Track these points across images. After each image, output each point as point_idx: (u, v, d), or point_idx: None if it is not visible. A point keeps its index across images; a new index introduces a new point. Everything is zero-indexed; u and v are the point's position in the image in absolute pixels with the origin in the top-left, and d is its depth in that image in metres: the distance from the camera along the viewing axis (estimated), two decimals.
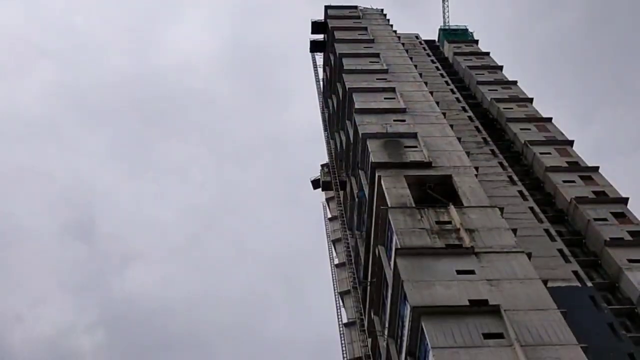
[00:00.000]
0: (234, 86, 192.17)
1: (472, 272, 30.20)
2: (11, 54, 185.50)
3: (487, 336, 26.42)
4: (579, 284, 36.66)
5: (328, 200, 64.85)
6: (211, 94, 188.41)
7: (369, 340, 40.12)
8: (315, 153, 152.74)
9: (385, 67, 53.75)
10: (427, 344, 26.28)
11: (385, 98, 48.45)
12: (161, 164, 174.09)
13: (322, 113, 68.96)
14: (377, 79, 51.84)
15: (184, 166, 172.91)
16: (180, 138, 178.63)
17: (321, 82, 70.53)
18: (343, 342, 47.78)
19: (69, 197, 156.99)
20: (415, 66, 56.44)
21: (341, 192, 54.43)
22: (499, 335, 26.41)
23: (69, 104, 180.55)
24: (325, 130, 66.84)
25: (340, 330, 48.78)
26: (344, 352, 47.13)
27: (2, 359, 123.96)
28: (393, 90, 49.48)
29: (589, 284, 36.99)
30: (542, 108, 58.13)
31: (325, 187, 62.91)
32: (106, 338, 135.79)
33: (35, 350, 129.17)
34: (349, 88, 49.72)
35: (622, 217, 42.02)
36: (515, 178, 47.41)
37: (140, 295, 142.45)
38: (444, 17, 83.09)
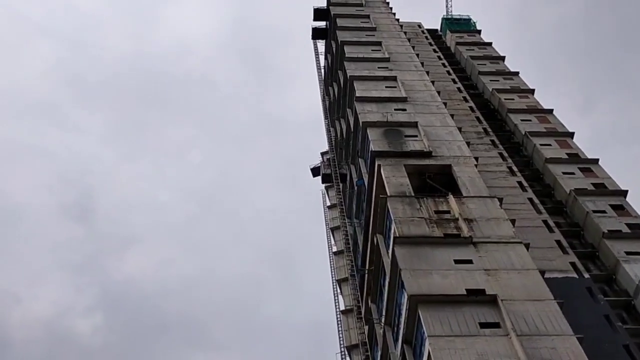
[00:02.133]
0: (233, 69, 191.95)
1: (469, 261, 30.31)
2: (12, 32, 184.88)
3: (483, 325, 26.56)
4: (576, 275, 36.74)
5: (327, 188, 64.92)
6: (211, 76, 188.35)
7: (366, 327, 40.31)
8: (315, 139, 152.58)
9: (387, 56, 53.62)
10: (424, 332, 26.42)
11: (386, 87, 48.36)
12: (160, 145, 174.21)
13: (323, 101, 68.85)
14: (378, 68, 51.74)
15: (183, 148, 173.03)
16: (179, 119, 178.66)
17: (322, 70, 70.37)
18: (340, 328, 48.04)
19: (67, 177, 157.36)
20: (417, 55, 56.28)
21: (341, 185, 54.47)
22: (496, 325, 26.56)
23: (69, 83, 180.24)
24: (325, 117, 66.77)
25: (337, 317, 49.04)
26: (341, 338, 47.40)
27: (0, 337, 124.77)
28: (394, 79, 49.38)
29: (587, 275, 37.08)
30: (543, 98, 58.22)
31: (325, 179, 62.87)
32: (104, 320, 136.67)
33: (32, 330, 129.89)
34: (350, 76, 49.61)
35: (621, 209, 42.07)
36: (514, 169, 47.40)
37: (138, 277, 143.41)
38: (446, 6, 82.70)
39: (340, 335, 47.51)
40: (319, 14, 67.26)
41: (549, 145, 50.12)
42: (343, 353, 46.56)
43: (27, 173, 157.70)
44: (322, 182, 64.51)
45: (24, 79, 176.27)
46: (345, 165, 52.12)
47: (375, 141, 40.30)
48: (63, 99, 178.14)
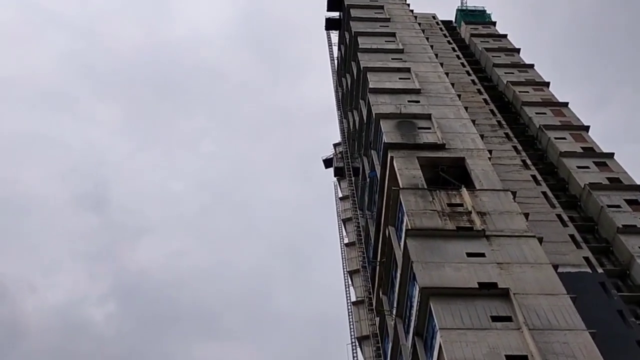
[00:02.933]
0: (246, 60, 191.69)
1: (482, 255, 30.20)
2: (27, 21, 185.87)
3: (495, 319, 26.50)
4: (589, 270, 36.57)
5: (339, 179, 64.84)
6: (223, 66, 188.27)
7: (377, 319, 40.35)
8: (328, 130, 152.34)
9: (400, 47, 53.27)
10: (435, 325, 26.37)
11: (400, 78, 48.07)
12: (173, 136, 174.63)
13: (336, 92, 68.65)
14: (392, 59, 51.42)
15: (195, 139, 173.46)
16: (192, 110, 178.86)
17: (336, 61, 70.11)
18: (351, 320, 48.11)
19: (82, 167, 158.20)
20: (432, 47, 55.84)
21: (354, 178, 54.28)
22: (508, 319, 26.49)
23: (83, 73, 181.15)
24: (338, 109, 66.58)
25: (348, 309, 49.10)
26: (352, 329, 47.49)
27: (15, 326, 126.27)
28: (408, 70, 49.07)
29: (600, 270, 36.88)
30: (558, 92, 57.65)
31: (338, 173, 62.63)
32: (117, 309, 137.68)
33: (47, 318, 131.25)
34: (363, 67, 49.38)
35: (636, 204, 41.68)
36: (528, 162, 47.12)
37: (151, 267, 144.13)
38: None
39: (351, 327, 47.59)
40: (332, 4, 66.85)
41: (564, 138, 49.71)
42: (354, 344, 46.64)
43: (42, 163, 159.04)
44: (335, 176, 64.43)
45: (38, 69, 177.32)
46: (358, 159, 51.96)
47: (388, 133, 40.12)
48: (77, 89, 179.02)
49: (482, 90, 58.27)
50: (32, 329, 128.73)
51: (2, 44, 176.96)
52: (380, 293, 38.34)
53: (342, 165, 59.04)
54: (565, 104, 54.93)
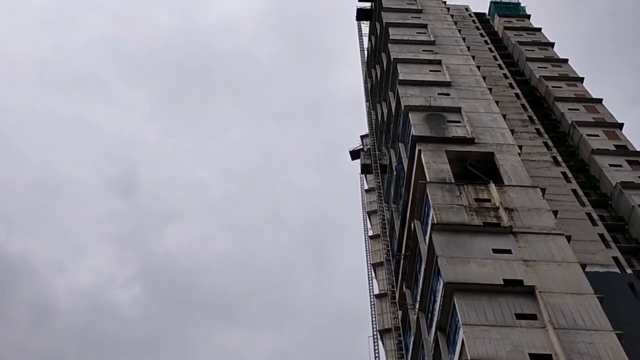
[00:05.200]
0: (277, 48, 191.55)
1: (508, 251, 29.92)
2: (61, 5, 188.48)
3: (519, 316, 26.30)
4: (618, 271, 35.94)
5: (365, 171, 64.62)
6: (254, 53, 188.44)
7: (400, 312, 40.25)
8: (355, 121, 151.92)
9: (432, 39, 52.75)
10: (458, 320, 26.24)
11: (430, 70, 47.64)
12: (201, 122, 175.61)
13: (365, 83, 68.34)
14: (423, 51, 50.95)
15: (224, 126, 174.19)
16: (222, 97, 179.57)
17: (366, 51, 69.79)
18: (373, 312, 48.11)
19: (112, 152, 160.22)
20: (464, 39, 55.17)
21: (380, 175, 53.89)
22: (532, 317, 26.25)
23: (114, 57, 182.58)
24: (367, 100, 66.30)
25: (371, 301, 49.10)
26: (374, 322, 47.50)
27: (44, 305, 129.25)
28: (439, 62, 48.57)
29: (629, 271, 36.21)
30: (592, 87, 56.62)
31: (365, 169, 62.22)
32: (143, 292, 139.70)
33: (76, 299, 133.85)
34: (393, 58, 49.04)
35: None
36: (559, 159, 46.41)
37: (178, 253, 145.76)
38: None
39: (374, 319, 47.60)
40: None
41: (597, 135, 48.76)
42: (375, 337, 46.65)
43: (73, 146, 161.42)
44: (362, 173, 63.98)
45: (72, 53, 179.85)
46: (386, 155, 51.66)
47: (417, 125, 39.84)
48: (109, 73, 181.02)
49: (514, 84, 57.47)
50: (61, 309, 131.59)
51: (37, 27, 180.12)
52: (404, 287, 38.24)
53: (369, 162, 58.66)
54: (599, 100, 53.87)
